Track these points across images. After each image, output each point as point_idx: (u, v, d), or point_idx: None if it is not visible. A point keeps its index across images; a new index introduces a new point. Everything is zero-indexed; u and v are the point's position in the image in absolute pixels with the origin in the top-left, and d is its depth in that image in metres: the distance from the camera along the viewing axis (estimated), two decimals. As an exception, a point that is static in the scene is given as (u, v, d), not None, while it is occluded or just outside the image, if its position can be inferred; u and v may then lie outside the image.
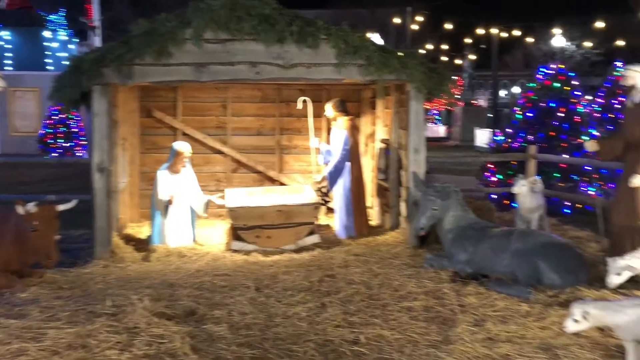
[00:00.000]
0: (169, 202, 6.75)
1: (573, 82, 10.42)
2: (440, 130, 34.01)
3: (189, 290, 5.03)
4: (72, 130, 19.12)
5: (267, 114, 8.77)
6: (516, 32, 25.63)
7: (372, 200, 8.11)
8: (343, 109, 7.38)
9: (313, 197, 7.21)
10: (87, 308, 4.50)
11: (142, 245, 6.76)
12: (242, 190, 7.67)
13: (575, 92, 10.38)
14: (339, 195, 7.33)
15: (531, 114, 10.21)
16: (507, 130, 10.68)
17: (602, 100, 16.03)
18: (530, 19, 30.53)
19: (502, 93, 43.40)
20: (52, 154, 18.40)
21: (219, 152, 8.66)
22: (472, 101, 39.14)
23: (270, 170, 8.72)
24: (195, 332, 4.08)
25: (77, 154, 18.69)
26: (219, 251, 6.64)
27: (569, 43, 34.72)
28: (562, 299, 4.71)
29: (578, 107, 10.29)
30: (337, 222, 7.42)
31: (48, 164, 15.80)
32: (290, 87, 8.49)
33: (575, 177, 9.69)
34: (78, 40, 25.21)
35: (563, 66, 10.62)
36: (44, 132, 19.10)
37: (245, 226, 6.61)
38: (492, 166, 10.19)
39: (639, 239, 5.16)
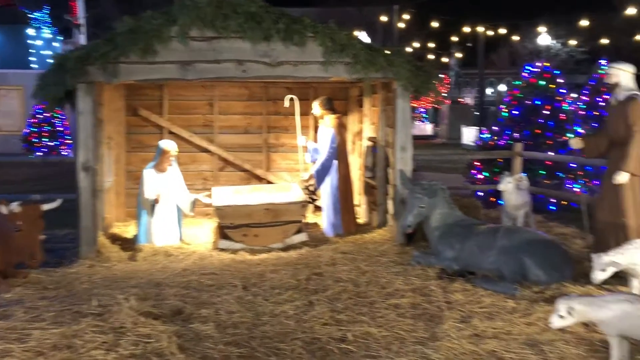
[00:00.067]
0: (155, 201, 6.71)
1: (558, 80, 10.51)
2: (428, 128, 34.14)
3: (175, 289, 5.00)
4: (57, 129, 18.93)
5: (254, 112, 8.74)
6: (502, 31, 25.77)
7: (359, 198, 8.12)
8: (330, 107, 7.38)
9: (300, 196, 7.20)
10: (72, 308, 4.46)
11: (128, 245, 6.72)
12: (229, 188, 7.65)
13: (561, 90, 10.47)
14: (326, 193, 7.33)
15: (517, 112, 10.28)
16: (493, 128, 10.75)
17: (587, 98, 16.17)
18: (516, 17, 30.73)
19: (489, 91, 43.60)
20: (37, 153, 18.21)
21: (206, 150, 8.62)
22: (458, 99, 39.28)
23: (258, 168, 8.70)
24: (182, 331, 4.05)
25: (62, 153, 18.50)
26: (206, 250, 6.61)
27: (554, 41, 35.00)
28: (547, 295, 4.75)
29: (563, 104, 10.38)
30: (324, 220, 7.42)
31: (33, 163, 15.65)
32: (277, 85, 8.47)
33: (560, 174, 9.78)
34: (62, 38, 24.97)
35: (548, 64, 10.70)
36: (28, 131, 18.89)
37: (232, 225, 6.59)
38: (479, 164, 10.24)
39: (623, 236, 5.22)
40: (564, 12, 30.03)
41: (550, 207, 9.31)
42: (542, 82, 10.33)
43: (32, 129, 18.83)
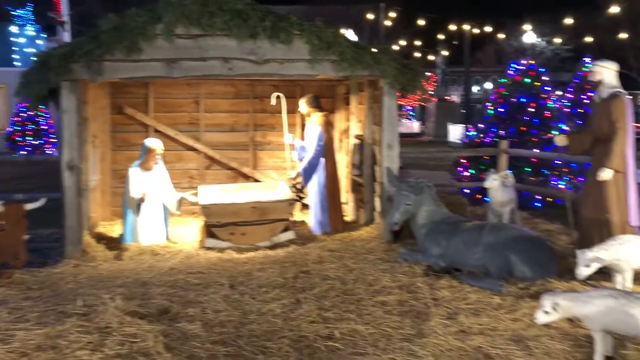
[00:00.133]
0: (141, 200, 6.66)
1: (543, 78, 10.60)
2: (414, 126, 34.27)
3: (162, 288, 4.97)
4: (41, 127, 18.76)
5: (240, 110, 8.71)
6: (488, 29, 25.91)
7: (346, 196, 8.13)
8: (317, 104, 7.38)
9: (287, 194, 7.19)
10: (57, 308, 4.42)
11: (114, 244, 6.67)
12: (215, 187, 7.62)
13: (546, 88, 10.55)
14: (313, 191, 7.33)
15: (502, 110, 10.35)
16: (479, 125, 10.81)
17: (571, 96, 16.34)
18: (501, 15, 30.92)
19: (475, 89, 43.88)
20: (21, 152, 18.04)
21: (192, 148, 8.57)
22: (445, 97, 39.51)
23: (244, 166, 8.68)
24: (169, 330, 4.03)
25: (46, 151, 18.35)
26: (193, 249, 6.59)
27: (539, 39, 35.28)
28: (532, 291, 4.79)
29: (548, 102, 10.47)
30: (312, 218, 7.42)
31: (16, 162, 15.48)
32: (263, 83, 8.45)
33: (545, 171, 9.87)
34: (46, 35, 24.70)
35: (533, 62, 10.79)
36: (11, 129, 18.70)
37: (219, 223, 6.57)
38: (465, 161, 10.30)
39: (607, 232, 5.27)
40: (549, 10, 30.29)
41: (536, 203, 9.39)
42: (528, 80, 10.42)
43: (15, 127, 18.63)
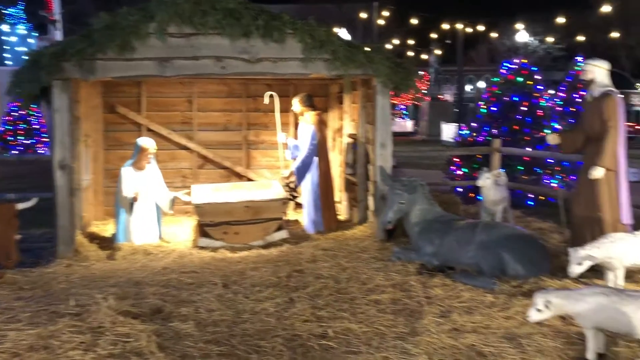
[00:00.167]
0: (134, 199, 6.64)
1: (536, 77, 10.65)
2: (408, 124, 34.34)
3: (155, 288, 4.96)
4: (33, 126, 18.67)
5: (233, 109, 8.69)
6: (480, 28, 26.00)
7: (340, 195, 8.13)
8: (310, 103, 7.37)
9: (281, 193, 7.18)
10: (49, 308, 4.39)
11: (106, 244, 6.64)
12: (208, 186, 7.60)
13: (538, 87, 10.60)
14: (307, 190, 7.33)
15: (495, 108, 10.39)
16: (472, 124, 10.85)
17: (563, 94, 16.43)
18: (494, 14, 31.03)
19: (468, 88, 44.00)
20: (12, 152, 17.94)
21: (185, 148, 8.55)
22: (438, 96, 39.60)
23: (237, 166, 8.66)
24: (162, 330, 4.02)
25: (38, 151, 18.27)
26: (186, 248, 6.57)
27: (532, 38, 35.42)
28: (525, 289, 4.80)
29: (541, 101, 10.51)
30: (305, 217, 7.42)
31: (8, 162, 15.37)
32: (257, 82, 8.43)
33: (538, 169, 9.91)
34: (38, 34, 24.58)
35: (526, 61, 10.83)
36: (3, 129, 18.59)
37: (212, 223, 6.55)
38: (458, 160, 10.34)
39: (599, 230, 5.30)
40: (541, 9, 30.41)
41: (528, 202, 9.43)
42: (520, 79, 10.46)
43: (7, 126, 18.52)
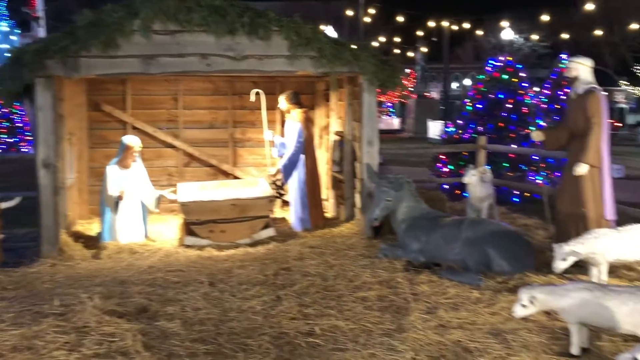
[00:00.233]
0: (119, 198, 6.59)
1: (521, 74, 10.72)
2: (394, 122, 34.40)
3: (141, 287, 4.92)
4: (16, 125, 18.43)
5: (219, 107, 8.66)
6: (466, 25, 26.13)
7: (327, 193, 8.14)
8: (297, 101, 7.36)
9: (267, 191, 7.17)
10: (33, 309, 4.35)
11: (92, 243, 6.59)
12: (194, 184, 7.57)
13: (523, 84, 10.67)
14: (294, 188, 7.32)
15: (481, 106, 10.45)
16: (458, 121, 10.90)
17: (548, 92, 16.54)
18: (480, 12, 31.20)
19: (454, 85, 44.20)
20: (-5, 150, 17.69)
21: (171, 146, 8.50)
22: (424, 93, 39.70)
23: (224, 163, 8.63)
24: (148, 329, 4.00)
25: (21, 149, 18.05)
26: (172, 247, 6.53)
27: (517, 36, 35.65)
28: (510, 285, 4.84)
29: (526, 98, 10.59)
30: (292, 215, 7.41)
31: (-9, 161, 15.19)
32: (243, 80, 8.40)
33: (523, 166, 9.98)
34: (20, 31, 24.24)
35: (511, 58, 10.90)
36: (-15, 127, 18.33)
37: (198, 221, 6.52)
38: (444, 157, 10.38)
39: (583, 226, 5.35)
40: (527, 7, 30.63)
41: (514, 198, 9.50)
42: (505, 76, 10.52)
43: (-11, 125, 18.27)
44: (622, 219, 5.59)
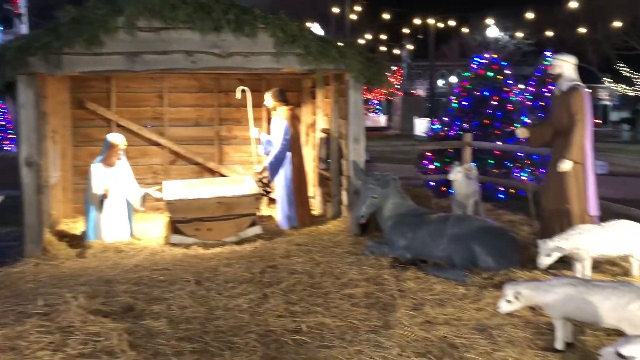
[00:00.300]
0: (104, 196, 6.54)
1: (506, 72, 10.79)
2: (381, 119, 34.49)
3: (126, 286, 4.89)
4: (-1, 123, 18.20)
5: (205, 104, 8.61)
6: (452, 23, 26.23)
7: (313, 190, 8.13)
8: (283, 98, 7.34)
9: (254, 188, 7.15)
10: (16, 309, 4.29)
11: (76, 242, 6.53)
12: (180, 182, 7.52)
13: (508, 81, 10.75)
14: (280, 185, 7.31)
15: (466, 103, 10.50)
16: (444, 118, 10.95)
17: (533, 89, 16.68)
18: (465, 9, 31.34)
19: (440, 82, 44.39)
20: (-22, 149, 17.46)
21: (156, 143, 8.44)
22: (411, 91, 39.83)
23: (210, 161, 8.59)
24: (133, 328, 3.97)
25: (4, 148, 17.83)
26: (158, 245, 6.49)
27: (502, 33, 35.86)
28: (496, 280, 4.88)
29: (510, 95, 10.67)
30: (279, 212, 7.40)
31: (-27, 159, 14.98)
32: (228, 77, 8.36)
33: (508, 163, 10.06)
34: (2, 28, 23.94)
35: (496, 56, 10.97)
36: (-33, 125, 18.08)
37: (184, 219, 6.49)
38: (430, 154, 10.42)
39: (567, 222, 5.40)
40: (511, 4, 30.82)
41: (499, 195, 9.57)
42: (491, 74, 10.58)
43: (-29, 123, 18.02)
44: (606, 215, 5.66)
